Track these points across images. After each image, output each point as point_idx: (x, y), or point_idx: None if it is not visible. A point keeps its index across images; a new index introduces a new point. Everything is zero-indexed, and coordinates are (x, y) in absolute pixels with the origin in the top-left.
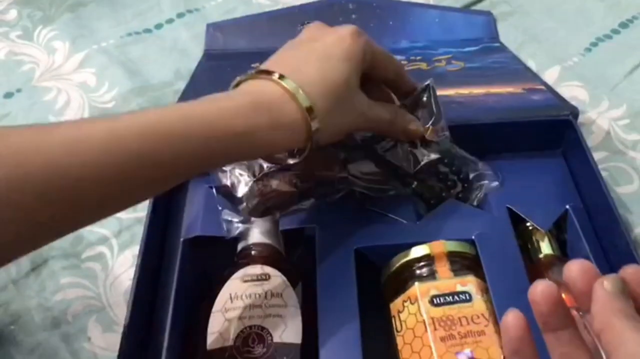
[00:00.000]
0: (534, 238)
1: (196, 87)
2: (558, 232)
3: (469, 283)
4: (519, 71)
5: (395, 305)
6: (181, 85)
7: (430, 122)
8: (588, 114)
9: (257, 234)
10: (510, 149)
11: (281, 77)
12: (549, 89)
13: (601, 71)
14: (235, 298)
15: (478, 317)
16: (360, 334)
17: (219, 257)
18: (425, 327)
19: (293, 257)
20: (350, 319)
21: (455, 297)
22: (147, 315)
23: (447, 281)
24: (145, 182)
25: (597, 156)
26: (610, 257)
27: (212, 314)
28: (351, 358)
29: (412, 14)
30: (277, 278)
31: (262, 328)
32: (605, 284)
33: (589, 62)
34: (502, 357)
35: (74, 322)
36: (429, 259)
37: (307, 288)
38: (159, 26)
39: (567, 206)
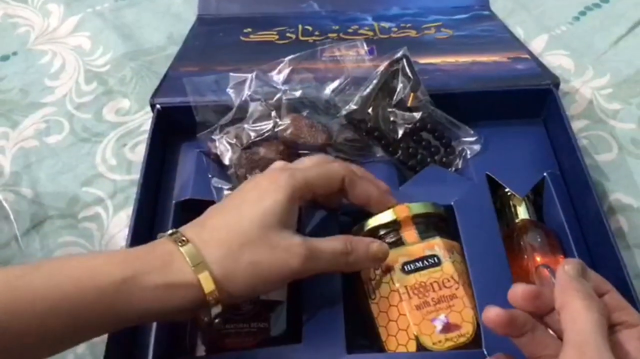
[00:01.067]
0: (511, 203)
1: (188, 52)
2: (535, 198)
3: (436, 246)
4: (505, 40)
5: (364, 272)
6: (174, 49)
7: (410, 89)
8: (572, 83)
9: None
10: (492, 116)
11: (174, 233)
12: (534, 58)
13: (588, 40)
14: None
15: (448, 280)
16: (342, 293)
17: None
18: (400, 296)
19: None
20: (332, 278)
21: (425, 262)
22: None
23: (414, 246)
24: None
25: (578, 124)
26: (582, 223)
27: None
28: (333, 313)
29: None
30: None
31: None
32: (567, 268)
33: (577, 31)
34: (474, 318)
35: None
36: (394, 224)
37: None
38: None
39: (545, 174)
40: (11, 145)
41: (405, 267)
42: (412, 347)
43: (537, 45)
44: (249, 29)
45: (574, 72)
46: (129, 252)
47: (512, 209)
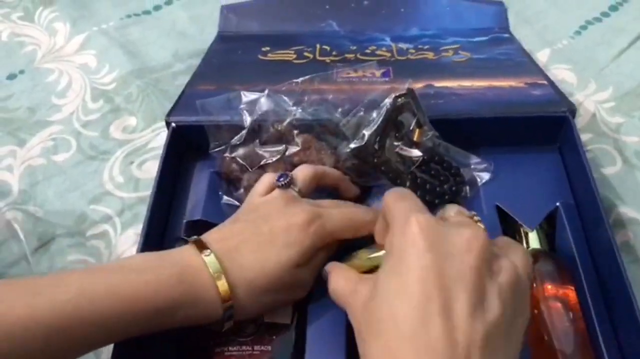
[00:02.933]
0: (522, 232)
1: (206, 69)
2: (548, 227)
3: None
4: (524, 64)
5: None
6: (180, 67)
7: (415, 124)
8: (575, 97)
9: None
10: (507, 143)
11: (210, 254)
12: (551, 83)
13: (590, 54)
14: None
15: None
16: (345, 317)
17: None
18: None
19: None
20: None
21: None
22: None
23: None
24: (62, 352)
25: (582, 137)
26: (594, 254)
27: None
28: (336, 337)
29: (423, 2)
30: None
31: None
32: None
33: (578, 44)
34: None
35: None
36: None
37: None
38: (157, 8)
39: (558, 203)
40: (19, 163)
41: None
42: None
43: (540, 59)
44: (268, 48)
45: (577, 86)
46: (161, 279)
47: (524, 238)
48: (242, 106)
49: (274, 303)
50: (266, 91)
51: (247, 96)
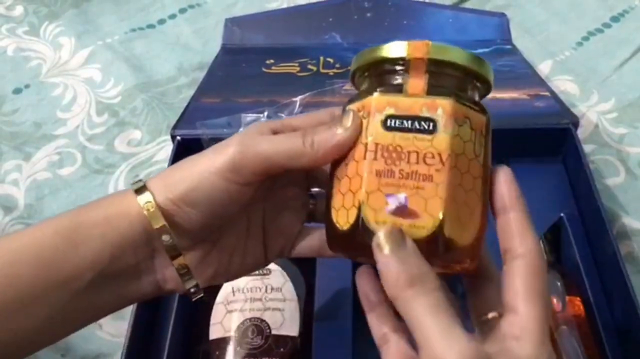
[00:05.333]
0: None
1: (211, 82)
2: (553, 238)
3: (440, 108)
4: (526, 76)
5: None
6: (184, 80)
7: None
8: (578, 108)
9: None
10: (510, 154)
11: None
12: (553, 95)
13: (592, 65)
14: (237, 291)
15: (433, 157)
16: (352, 330)
17: None
18: (365, 152)
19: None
20: (344, 316)
21: (415, 123)
22: (154, 306)
23: (412, 99)
24: None
25: (585, 148)
26: (599, 265)
27: (214, 306)
28: (343, 351)
29: (426, 14)
30: (277, 273)
31: (262, 321)
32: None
33: (581, 55)
34: (441, 214)
35: None
36: (403, 63)
37: (307, 284)
38: (161, 22)
39: (562, 214)
40: (24, 177)
41: (388, 121)
42: (352, 215)
43: (542, 70)
44: (272, 60)
45: (579, 97)
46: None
47: None
48: (241, 129)
49: (192, 163)
50: (265, 112)
51: (246, 118)
